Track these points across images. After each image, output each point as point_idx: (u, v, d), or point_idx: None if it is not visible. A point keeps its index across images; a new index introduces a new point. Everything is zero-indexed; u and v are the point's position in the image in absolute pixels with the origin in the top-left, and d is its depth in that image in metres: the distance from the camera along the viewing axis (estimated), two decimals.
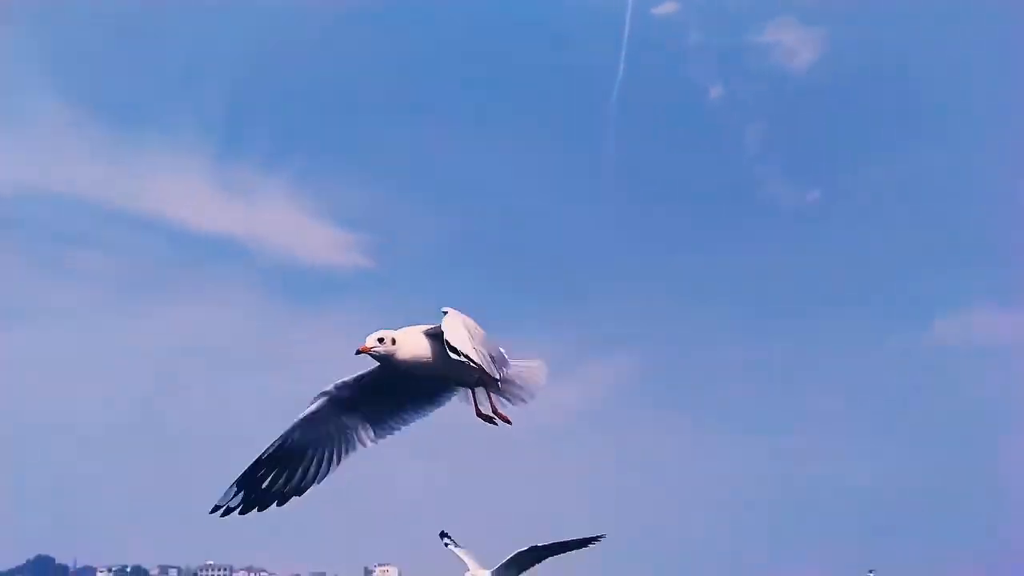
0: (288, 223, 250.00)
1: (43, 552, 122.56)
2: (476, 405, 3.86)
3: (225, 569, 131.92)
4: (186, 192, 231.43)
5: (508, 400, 4.04)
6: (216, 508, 3.89)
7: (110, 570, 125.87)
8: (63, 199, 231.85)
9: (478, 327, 3.74)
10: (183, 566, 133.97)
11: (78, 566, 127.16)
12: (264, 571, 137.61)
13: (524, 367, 4.06)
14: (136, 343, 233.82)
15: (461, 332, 3.52)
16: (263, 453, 3.91)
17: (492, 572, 10.28)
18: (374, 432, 4.08)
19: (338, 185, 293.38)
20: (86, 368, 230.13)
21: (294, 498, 3.91)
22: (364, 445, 4.05)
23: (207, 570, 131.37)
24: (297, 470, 3.98)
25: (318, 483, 3.99)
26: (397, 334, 3.66)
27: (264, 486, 3.93)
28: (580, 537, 11.77)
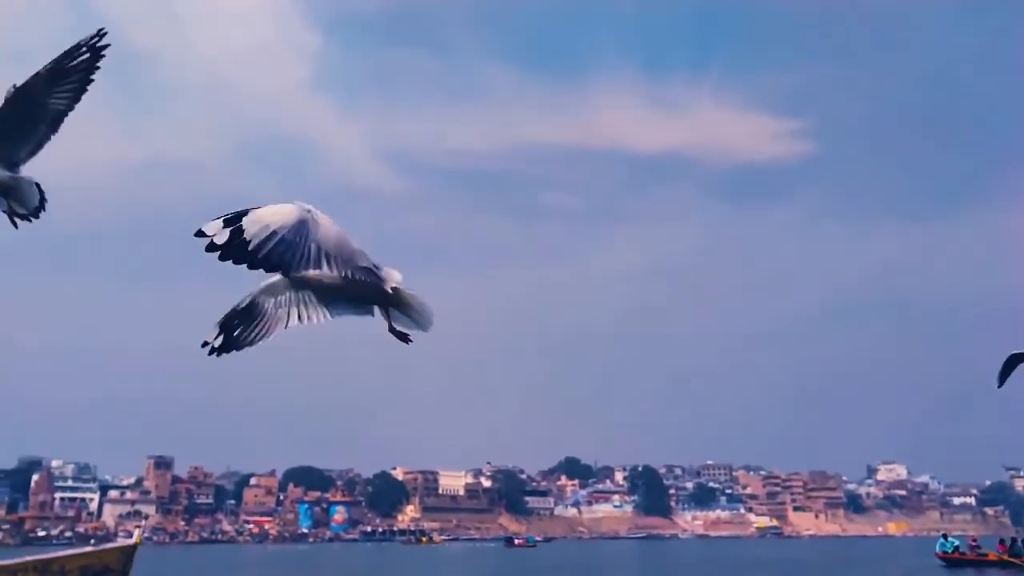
0: (723, 124, 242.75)
1: (571, 454, 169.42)
2: (388, 320, 4.12)
3: (724, 468, 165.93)
4: (625, 118, 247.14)
5: (410, 323, 4.22)
6: (205, 344, 4.39)
7: (625, 469, 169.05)
8: (529, 150, 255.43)
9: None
10: (687, 465, 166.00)
11: (599, 465, 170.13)
12: (762, 469, 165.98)
13: (415, 297, 4.16)
14: (604, 267, 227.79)
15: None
16: (238, 305, 4.41)
17: None
18: (325, 313, 4.46)
19: (762, 75, 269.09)
20: (567, 295, 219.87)
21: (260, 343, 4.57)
22: (316, 320, 4.46)
23: (708, 469, 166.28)
24: (260, 325, 4.49)
25: (268, 338, 4.51)
26: None
27: (235, 334, 4.47)
28: None
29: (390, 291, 4.22)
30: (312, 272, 3.89)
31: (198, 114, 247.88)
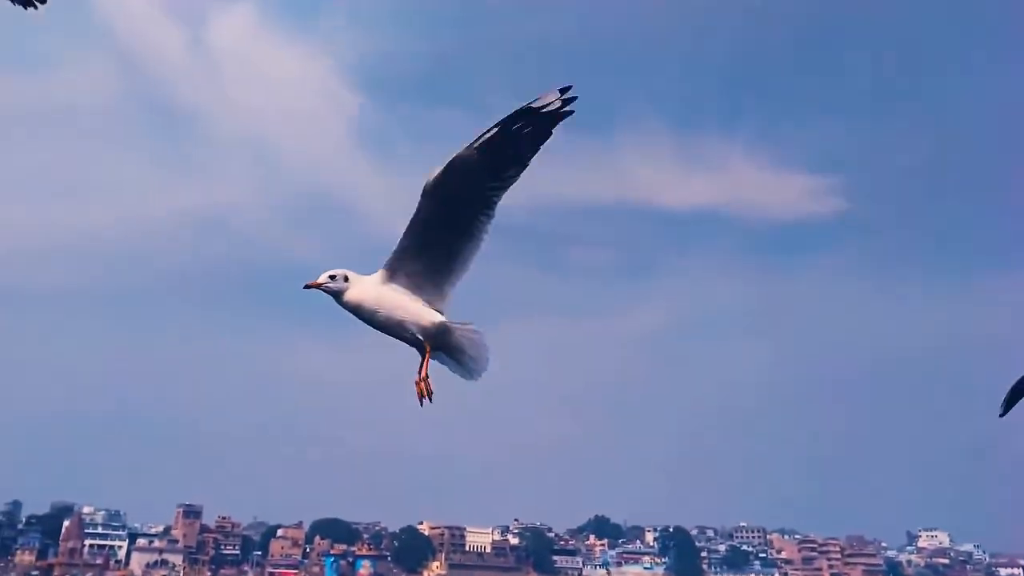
0: (755, 181, 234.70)
1: (601, 513, 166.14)
2: (420, 369, 3.92)
3: (758, 531, 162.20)
4: (656, 174, 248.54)
5: (457, 368, 4.11)
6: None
7: (655, 529, 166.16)
8: (560, 206, 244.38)
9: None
10: (719, 527, 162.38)
11: (629, 525, 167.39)
12: (797, 534, 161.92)
13: (469, 331, 4.09)
14: (634, 323, 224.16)
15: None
16: None
17: None
18: None
19: (793, 132, 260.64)
20: (597, 349, 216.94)
21: None
22: None
23: (741, 532, 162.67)
24: None
25: None
26: (352, 275, 3.96)
27: None
28: None
29: (439, 320, 4.20)
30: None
31: (241, 172, 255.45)
